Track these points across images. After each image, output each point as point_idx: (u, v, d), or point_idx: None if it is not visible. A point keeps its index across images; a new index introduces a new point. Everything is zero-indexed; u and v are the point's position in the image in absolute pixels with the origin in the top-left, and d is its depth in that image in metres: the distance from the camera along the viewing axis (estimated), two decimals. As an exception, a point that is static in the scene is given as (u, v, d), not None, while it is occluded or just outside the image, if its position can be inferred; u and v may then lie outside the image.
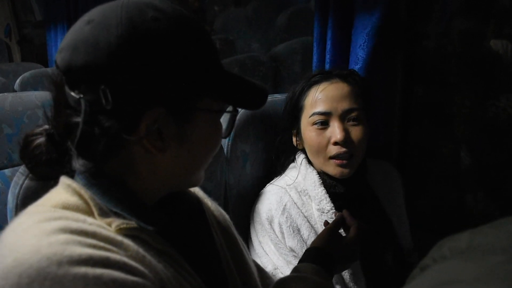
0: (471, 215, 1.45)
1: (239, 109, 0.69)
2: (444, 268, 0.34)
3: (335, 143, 0.99)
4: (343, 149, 0.98)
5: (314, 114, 1.01)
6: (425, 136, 1.53)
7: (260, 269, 0.85)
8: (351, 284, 0.97)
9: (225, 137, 0.67)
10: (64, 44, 0.54)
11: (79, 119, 0.53)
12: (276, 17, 2.89)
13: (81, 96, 0.52)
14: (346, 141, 0.98)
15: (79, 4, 2.64)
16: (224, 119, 0.64)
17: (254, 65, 2.31)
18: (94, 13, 0.55)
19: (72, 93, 0.53)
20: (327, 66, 1.25)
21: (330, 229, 0.88)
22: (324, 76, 1.04)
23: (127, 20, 0.51)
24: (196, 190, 0.76)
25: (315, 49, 1.27)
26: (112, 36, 0.51)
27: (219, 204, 0.79)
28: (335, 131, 0.98)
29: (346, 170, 1.00)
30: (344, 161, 0.99)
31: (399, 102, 1.36)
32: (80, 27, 0.54)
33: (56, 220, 0.49)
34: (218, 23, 3.26)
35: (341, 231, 0.93)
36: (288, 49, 2.46)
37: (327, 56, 1.23)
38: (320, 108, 1.00)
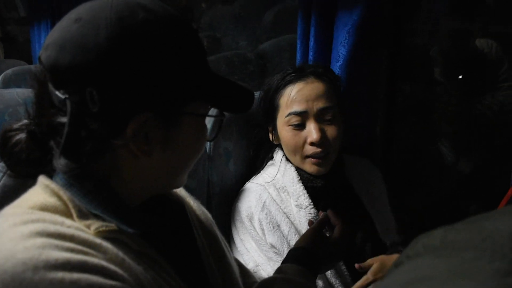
0: (455, 211, 1.46)
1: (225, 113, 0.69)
2: (416, 264, 0.34)
3: (311, 144, 1.00)
4: (319, 149, 1.00)
5: (290, 114, 1.01)
6: (411, 133, 1.54)
7: (242, 268, 0.85)
8: (332, 280, 0.97)
9: (210, 141, 0.66)
10: (50, 41, 0.52)
11: (63, 119, 0.51)
12: (263, 15, 2.88)
13: (67, 96, 0.50)
14: (322, 141, 0.99)
15: (63, 1, 2.60)
16: (207, 121, 0.64)
17: (241, 62, 2.30)
18: (82, 10, 0.53)
19: (57, 93, 0.51)
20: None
21: (314, 228, 0.87)
22: (298, 75, 1.04)
23: (117, 20, 0.50)
24: (179, 189, 0.75)
25: (298, 46, 1.27)
26: (101, 37, 0.49)
27: (202, 202, 0.78)
28: (311, 131, 0.99)
29: (322, 168, 1.03)
30: (320, 160, 1.01)
31: (383, 99, 1.36)
32: (67, 25, 0.52)
33: (33, 223, 0.48)
34: (205, 20, 3.23)
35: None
36: (275, 46, 2.44)
37: (310, 53, 1.23)
38: (296, 108, 1.01)
